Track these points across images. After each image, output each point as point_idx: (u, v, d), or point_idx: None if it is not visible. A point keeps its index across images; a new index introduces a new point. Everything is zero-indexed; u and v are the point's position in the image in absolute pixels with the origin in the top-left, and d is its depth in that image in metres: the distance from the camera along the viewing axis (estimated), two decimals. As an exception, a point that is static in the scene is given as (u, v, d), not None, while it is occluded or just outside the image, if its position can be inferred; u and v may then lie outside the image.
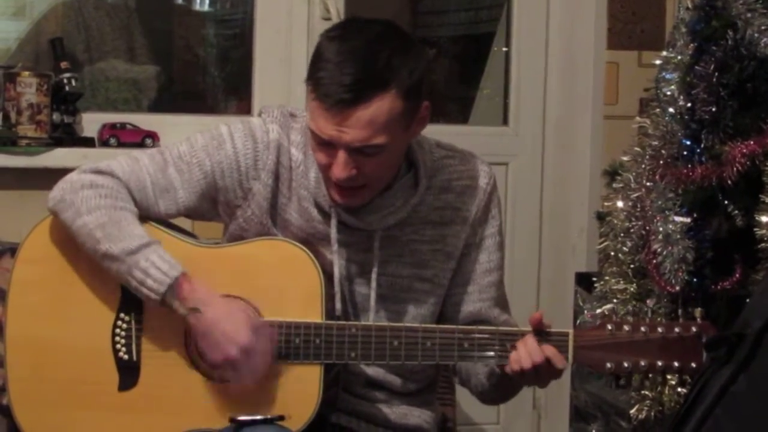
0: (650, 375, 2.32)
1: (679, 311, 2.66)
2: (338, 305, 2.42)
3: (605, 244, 2.93)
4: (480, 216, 2.49)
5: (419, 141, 2.46)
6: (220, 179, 2.43)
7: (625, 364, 2.30)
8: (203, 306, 2.30)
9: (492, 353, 2.34)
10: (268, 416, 2.31)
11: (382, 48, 2.27)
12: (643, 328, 2.31)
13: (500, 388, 2.47)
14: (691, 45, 2.71)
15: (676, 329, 2.31)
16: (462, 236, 2.48)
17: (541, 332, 2.32)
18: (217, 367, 2.32)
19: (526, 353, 2.30)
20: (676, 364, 2.30)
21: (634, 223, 2.82)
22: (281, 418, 2.31)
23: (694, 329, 2.31)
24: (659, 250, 2.68)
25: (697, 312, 2.34)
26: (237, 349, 2.28)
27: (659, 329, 2.31)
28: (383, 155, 2.30)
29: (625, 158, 2.91)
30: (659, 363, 2.29)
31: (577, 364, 2.34)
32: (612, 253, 2.90)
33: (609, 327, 2.33)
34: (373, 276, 2.43)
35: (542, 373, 2.32)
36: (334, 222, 2.41)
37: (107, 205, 2.36)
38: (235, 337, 2.28)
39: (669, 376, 2.46)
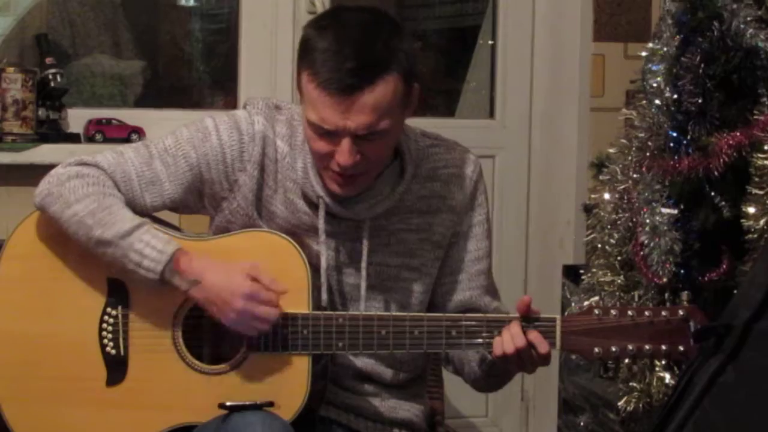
0: (638, 360, 2.32)
1: (667, 303, 2.67)
2: (324, 296, 2.41)
3: (592, 236, 2.94)
4: (466, 204, 2.50)
5: (405, 129, 2.46)
6: (206, 172, 2.42)
7: (613, 349, 2.30)
8: (201, 275, 2.30)
9: (480, 340, 2.34)
10: (257, 401, 2.32)
11: (378, 32, 2.28)
12: (630, 313, 2.31)
13: (492, 375, 2.47)
14: (677, 36, 2.72)
15: (663, 313, 2.31)
16: (449, 225, 2.49)
17: (528, 318, 2.33)
18: (237, 325, 2.31)
19: (509, 337, 2.30)
20: (663, 347, 2.30)
21: (621, 215, 2.83)
22: (270, 404, 2.31)
23: (681, 313, 2.30)
24: (646, 241, 2.69)
25: (684, 296, 2.34)
26: (241, 299, 2.28)
27: (646, 313, 2.31)
28: (385, 139, 2.31)
29: (611, 150, 2.92)
30: (647, 347, 2.29)
31: (564, 350, 2.34)
32: (599, 246, 2.91)
33: (596, 312, 2.32)
34: (363, 265, 2.43)
35: (525, 359, 2.32)
36: (322, 213, 2.41)
37: (95, 192, 2.35)
38: (235, 290, 2.28)
39: (656, 365, 2.47)
